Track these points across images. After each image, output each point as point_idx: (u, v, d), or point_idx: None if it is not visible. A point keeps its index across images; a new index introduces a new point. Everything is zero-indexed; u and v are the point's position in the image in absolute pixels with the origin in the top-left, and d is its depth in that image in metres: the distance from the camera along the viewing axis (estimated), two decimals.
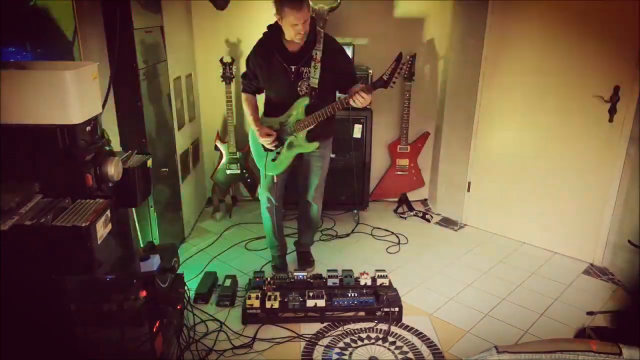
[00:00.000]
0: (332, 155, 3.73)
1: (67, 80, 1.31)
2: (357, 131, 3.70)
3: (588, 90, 3.11)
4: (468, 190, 3.89)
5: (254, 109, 2.85)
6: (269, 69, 2.72)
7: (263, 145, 2.83)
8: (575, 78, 3.17)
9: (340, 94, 2.83)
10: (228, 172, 3.86)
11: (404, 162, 4.16)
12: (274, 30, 2.68)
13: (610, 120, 3.06)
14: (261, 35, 2.77)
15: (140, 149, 2.68)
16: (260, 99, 2.93)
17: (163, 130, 3.10)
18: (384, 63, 2.62)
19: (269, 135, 2.76)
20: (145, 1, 2.78)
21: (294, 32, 2.55)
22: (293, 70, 2.69)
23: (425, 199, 4.41)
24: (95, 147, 1.44)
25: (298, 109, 2.73)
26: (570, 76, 3.19)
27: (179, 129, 3.41)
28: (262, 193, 3.01)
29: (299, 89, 2.71)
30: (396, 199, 4.19)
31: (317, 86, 2.69)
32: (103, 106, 1.59)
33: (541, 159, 3.44)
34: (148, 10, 2.86)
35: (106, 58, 2.42)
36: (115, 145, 2.45)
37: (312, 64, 2.67)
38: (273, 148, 2.80)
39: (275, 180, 2.93)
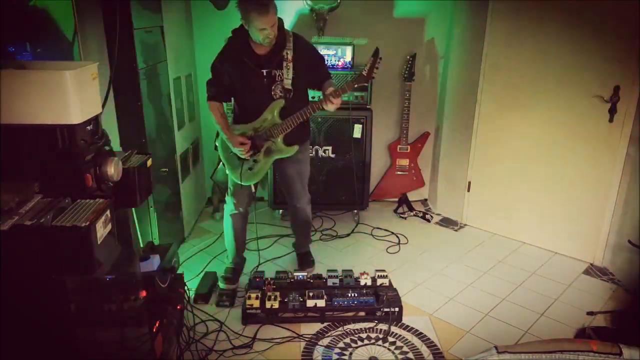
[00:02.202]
0: (332, 156, 3.76)
1: (67, 80, 1.31)
2: (357, 131, 3.70)
3: (588, 90, 3.11)
4: (468, 190, 3.89)
5: (223, 116, 2.72)
6: (239, 74, 2.64)
7: (236, 155, 2.73)
8: (575, 78, 3.17)
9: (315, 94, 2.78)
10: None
11: (404, 162, 4.16)
12: (240, 35, 2.61)
13: (610, 120, 3.06)
14: (226, 41, 2.70)
15: (140, 149, 2.68)
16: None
17: (163, 130, 3.10)
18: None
19: (242, 144, 2.66)
20: (145, 1, 2.78)
21: (262, 36, 2.49)
22: (265, 74, 2.62)
23: (425, 199, 4.41)
24: (95, 147, 1.44)
25: (273, 113, 2.66)
26: (570, 76, 3.19)
27: (179, 129, 3.41)
28: (230, 200, 2.90)
29: (272, 92, 2.65)
30: (396, 199, 4.19)
31: (291, 87, 2.64)
32: (103, 106, 1.58)
33: (541, 158, 3.44)
34: (148, 10, 2.86)
35: (106, 58, 2.42)
36: (115, 145, 2.44)
37: (284, 64, 2.62)
38: (247, 157, 2.71)
39: (253, 190, 2.88)
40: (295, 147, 2.75)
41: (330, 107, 2.59)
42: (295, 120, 2.64)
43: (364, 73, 2.58)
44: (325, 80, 2.74)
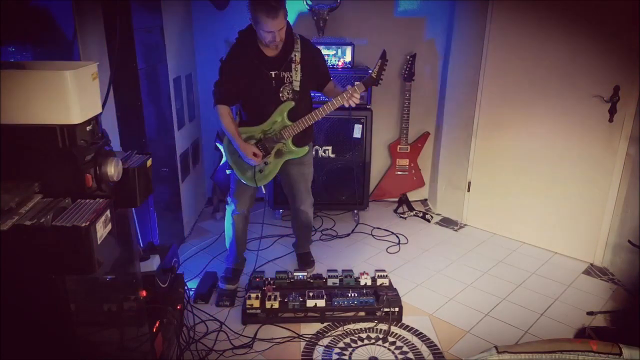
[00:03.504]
0: (332, 156, 3.76)
1: (67, 80, 1.30)
2: (357, 131, 3.70)
3: (588, 90, 3.12)
4: (468, 190, 3.89)
5: (233, 122, 2.68)
6: (248, 76, 2.62)
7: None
8: (575, 78, 3.17)
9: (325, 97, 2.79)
10: (228, 172, 3.85)
11: (404, 162, 4.16)
12: (249, 36, 2.60)
13: (610, 120, 3.06)
14: (235, 41, 2.69)
15: (140, 149, 2.68)
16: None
17: (163, 130, 3.10)
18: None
19: (255, 154, 2.63)
20: (145, 1, 2.78)
21: (269, 39, 2.49)
22: (273, 75, 2.62)
23: (425, 199, 4.41)
24: (95, 147, 1.44)
25: (283, 115, 2.66)
26: (570, 76, 3.19)
27: (179, 129, 3.41)
28: (232, 201, 2.90)
29: (280, 94, 2.65)
30: (396, 199, 4.19)
31: (299, 89, 2.65)
32: (103, 106, 1.58)
33: (541, 158, 3.44)
34: (148, 10, 2.86)
35: (106, 58, 2.42)
36: (115, 145, 2.44)
37: (293, 66, 2.62)
38: (259, 162, 2.70)
39: (264, 191, 2.88)
40: (306, 148, 2.77)
41: (353, 102, 2.58)
42: (307, 121, 2.65)
43: (374, 75, 2.61)
44: (327, 82, 2.77)
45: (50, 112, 1.32)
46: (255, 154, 2.65)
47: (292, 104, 2.66)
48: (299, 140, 2.75)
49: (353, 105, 2.60)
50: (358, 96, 2.58)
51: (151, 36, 2.87)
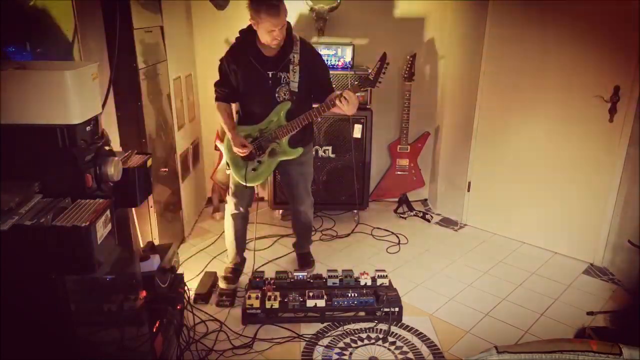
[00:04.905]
0: (332, 156, 3.76)
1: (67, 80, 1.31)
2: (357, 131, 3.70)
3: (588, 90, 3.11)
4: (468, 190, 3.89)
5: (230, 117, 2.75)
6: (245, 75, 2.64)
7: (241, 156, 2.74)
8: (575, 78, 3.17)
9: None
10: (228, 172, 3.85)
11: (404, 162, 4.16)
12: (248, 35, 2.61)
13: (610, 120, 3.06)
14: (234, 40, 2.70)
15: (140, 149, 2.68)
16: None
17: (163, 130, 3.10)
18: None
19: (244, 146, 2.66)
20: (145, 1, 2.78)
21: (270, 38, 2.48)
22: (270, 75, 2.62)
23: (425, 199, 4.41)
24: (95, 147, 1.44)
25: (279, 114, 2.66)
26: (570, 76, 3.19)
27: (179, 129, 3.41)
28: (231, 200, 2.92)
29: (277, 95, 2.65)
30: (396, 199, 4.19)
31: (297, 90, 2.64)
32: (103, 106, 1.58)
33: (541, 158, 3.44)
34: (148, 10, 2.86)
35: (106, 58, 2.42)
36: (115, 145, 2.44)
37: (291, 67, 2.62)
38: (244, 152, 2.70)
39: (256, 191, 2.89)
40: (300, 150, 2.76)
41: (344, 104, 2.49)
42: (301, 122, 2.64)
43: (371, 77, 2.58)
44: (328, 93, 2.69)
45: (50, 112, 1.32)
46: (244, 145, 2.66)
47: (289, 104, 2.65)
48: (294, 141, 2.74)
49: (344, 108, 2.50)
50: (350, 97, 2.48)
51: (151, 36, 2.86)
